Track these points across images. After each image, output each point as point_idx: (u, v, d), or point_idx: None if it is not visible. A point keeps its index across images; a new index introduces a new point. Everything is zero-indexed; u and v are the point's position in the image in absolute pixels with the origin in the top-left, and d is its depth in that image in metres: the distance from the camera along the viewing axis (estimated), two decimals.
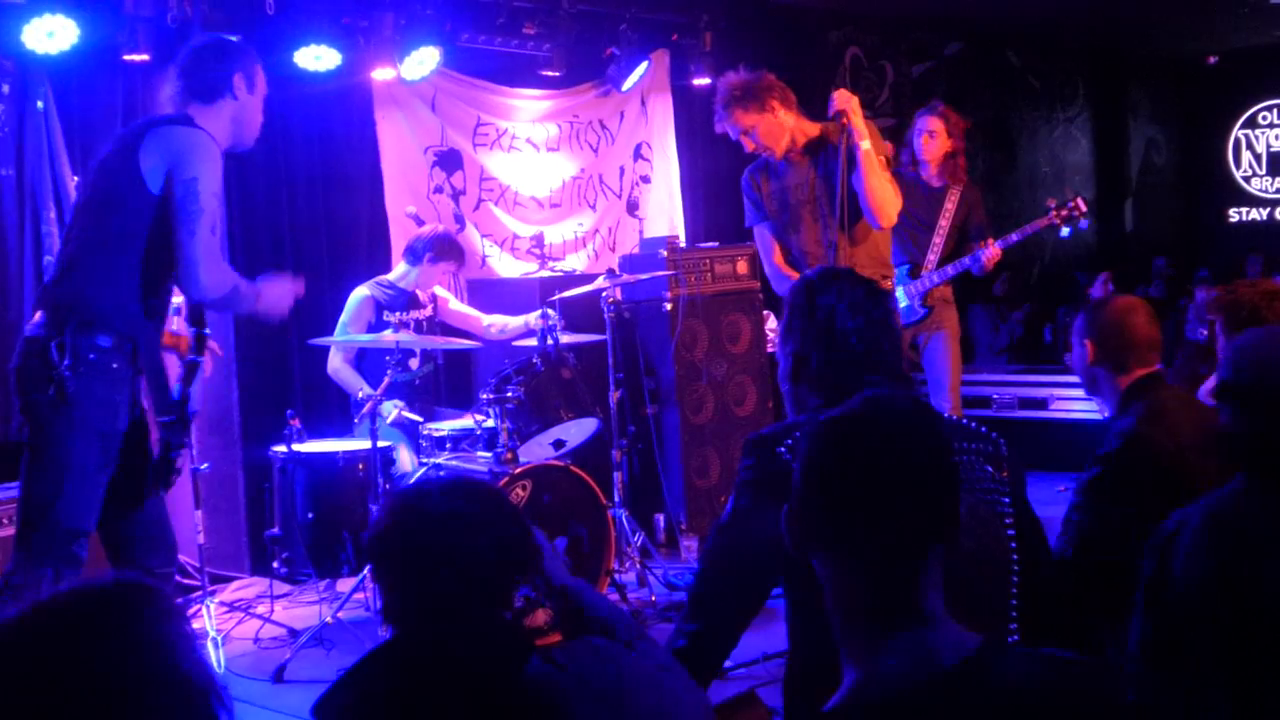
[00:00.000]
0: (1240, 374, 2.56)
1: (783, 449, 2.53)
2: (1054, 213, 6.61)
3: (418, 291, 6.29)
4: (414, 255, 6.26)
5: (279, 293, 4.36)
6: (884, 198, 5.01)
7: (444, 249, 6.25)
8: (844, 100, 5.01)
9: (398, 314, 6.13)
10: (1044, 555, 2.80)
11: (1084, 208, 6.61)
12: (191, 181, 3.95)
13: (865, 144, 4.96)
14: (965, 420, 2.72)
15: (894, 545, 1.71)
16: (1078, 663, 1.74)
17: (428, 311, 6.31)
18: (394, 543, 2.14)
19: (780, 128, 5.21)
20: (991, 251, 6.32)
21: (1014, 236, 6.56)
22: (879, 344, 2.69)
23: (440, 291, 6.50)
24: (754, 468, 2.62)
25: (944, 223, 6.45)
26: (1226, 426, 2.58)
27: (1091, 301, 3.87)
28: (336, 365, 6.19)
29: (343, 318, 6.16)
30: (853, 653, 1.74)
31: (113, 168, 4.00)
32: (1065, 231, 6.71)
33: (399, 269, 6.33)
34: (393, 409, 5.93)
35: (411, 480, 5.45)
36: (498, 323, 6.52)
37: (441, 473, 5.56)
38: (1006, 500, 2.60)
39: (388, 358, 5.53)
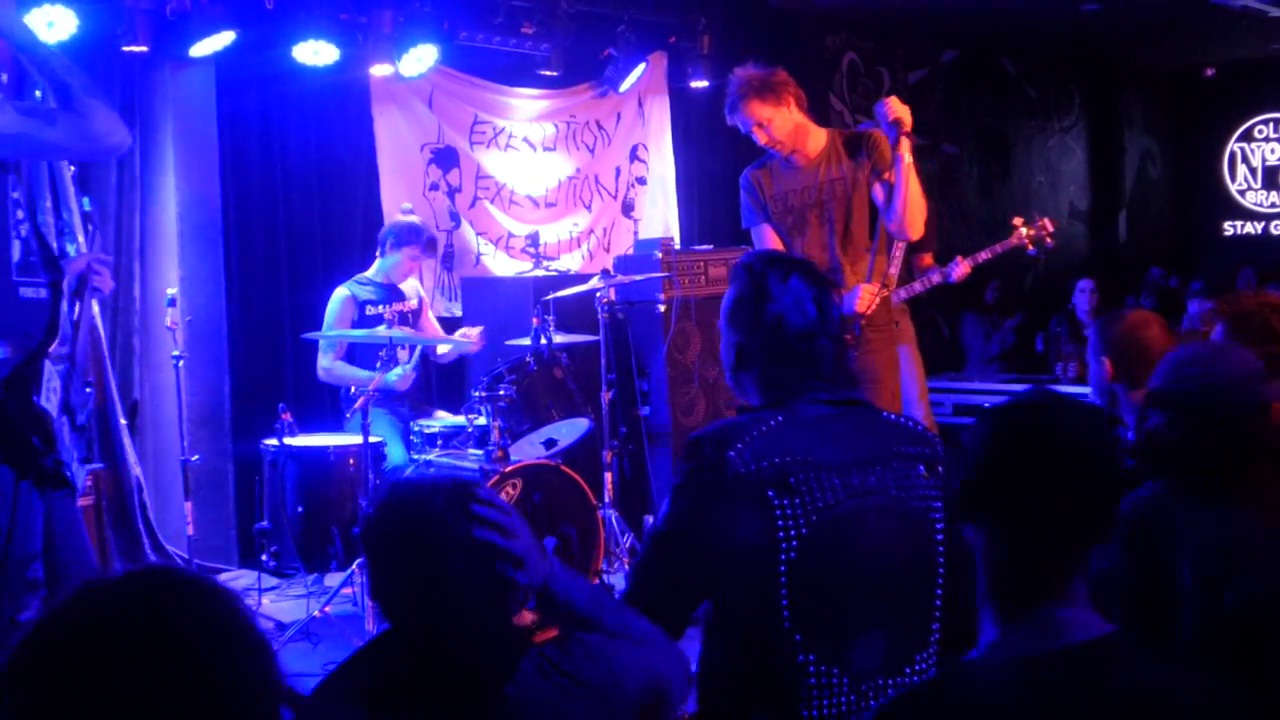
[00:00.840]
0: (1179, 384, 2.72)
1: (733, 454, 2.47)
2: (1021, 232, 6.69)
3: (399, 284, 6.31)
4: (380, 247, 6.29)
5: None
6: (919, 211, 5.05)
7: (403, 234, 6.23)
8: (900, 109, 4.96)
9: (381, 306, 6.12)
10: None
11: (1050, 228, 6.71)
12: None
13: (908, 157, 4.98)
14: (905, 420, 2.73)
15: (1059, 532, 1.85)
16: (1199, 674, 1.88)
17: (413, 304, 6.32)
18: (392, 540, 2.12)
19: (794, 125, 5.19)
20: (963, 269, 6.44)
21: (983, 255, 6.65)
22: (821, 344, 2.65)
23: (424, 294, 6.50)
24: (699, 471, 2.54)
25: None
26: (1155, 431, 2.71)
27: (1104, 317, 3.87)
28: (328, 364, 6.17)
29: (327, 320, 6.14)
30: (996, 616, 1.89)
31: None
32: (1032, 250, 6.78)
33: (375, 265, 6.33)
34: (404, 369, 5.95)
35: (408, 474, 5.45)
36: (455, 342, 6.44)
37: (432, 469, 5.57)
38: (939, 504, 2.61)
39: (382, 352, 5.55)
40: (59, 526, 3.74)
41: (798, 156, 5.20)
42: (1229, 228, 14.06)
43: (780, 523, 2.44)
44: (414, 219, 6.53)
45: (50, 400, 3.57)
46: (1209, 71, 13.70)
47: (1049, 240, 6.74)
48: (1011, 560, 1.88)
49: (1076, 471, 1.85)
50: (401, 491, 2.17)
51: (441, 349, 6.27)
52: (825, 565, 2.45)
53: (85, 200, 4.62)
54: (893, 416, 2.72)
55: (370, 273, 6.31)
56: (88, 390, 3.78)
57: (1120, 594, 2.56)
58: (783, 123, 5.13)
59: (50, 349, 3.60)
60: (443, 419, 6.09)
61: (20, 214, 3.65)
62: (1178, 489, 2.67)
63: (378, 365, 5.52)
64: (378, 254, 6.31)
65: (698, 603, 2.62)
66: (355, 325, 6.05)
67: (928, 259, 6.67)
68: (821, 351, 2.65)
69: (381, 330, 5.70)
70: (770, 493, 2.45)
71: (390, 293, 6.24)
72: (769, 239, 5.34)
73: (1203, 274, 11.63)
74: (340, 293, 6.19)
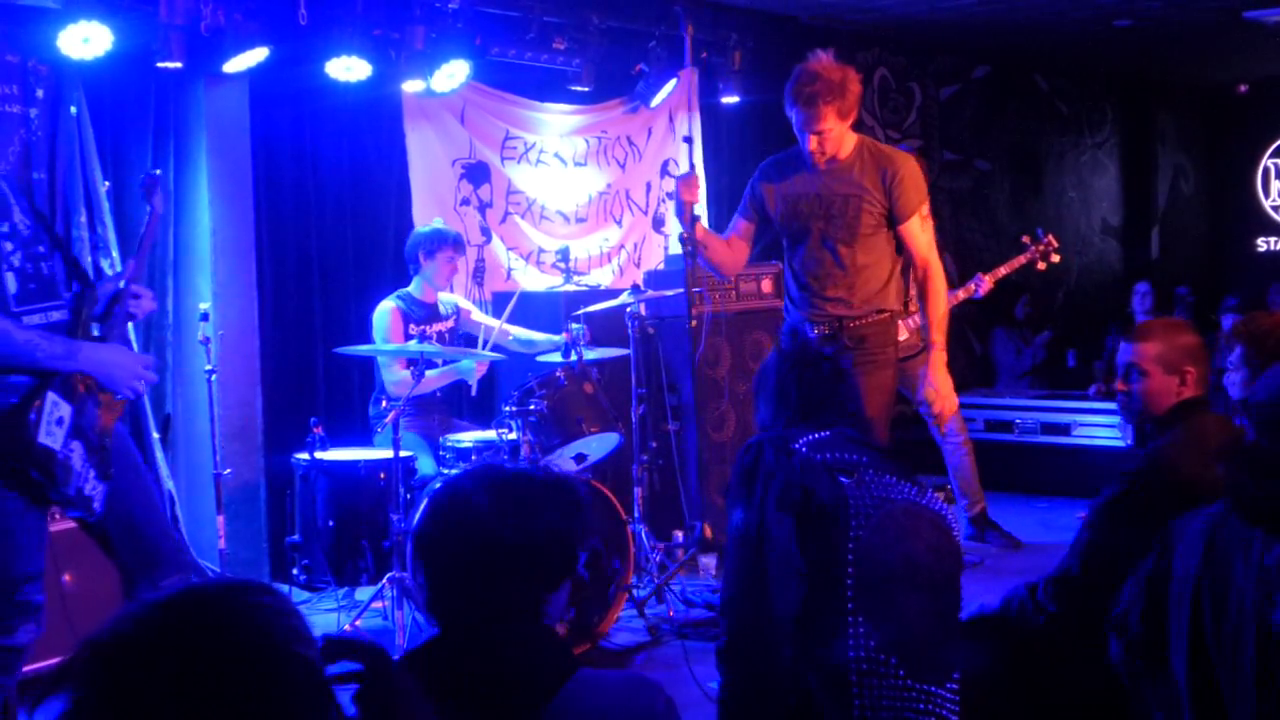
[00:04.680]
0: (1259, 400, 2.74)
1: (798, 445, 2.75)
2: (1032, 248, 6.92)
3: (439, 303, 6.31)
4: (413, 264, 6.29)
5: (121, 361, 3.70)
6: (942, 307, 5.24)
7: (430, 241, 6.25)
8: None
9: (420, 326, 6.14)
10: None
11: (1055, 244, 7.00)
12: None
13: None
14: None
15: None
16: None
17: (450, 324, 6.33)
18: (438, 542, 2.12)
19: (846, 139, 5.09)
20: (988, 285, 6.60)
21: (1002, 270, 6.86)
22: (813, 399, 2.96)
23: (463, 303, 6.52)
24: (765, 462, 2.79)
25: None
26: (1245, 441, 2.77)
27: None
28: (397, 379, 6.12)
29: (378, 332, 6.14)
30: None
31: None
32: (1042, 265, 7.00)
33: (412, 283, 6.34)
34: (475, 362, 6.04)
35: (460, 471, 5.45)
36: (522, 335, 6.52)
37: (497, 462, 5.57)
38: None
39: (411, 369, 5.56)
40: (110, 535, 3.71)
41: (824, 162, 5.07)
42: (1262, 244, 13.96)
43: (852, 504, 2.54)
44: (435, 224, 6.53)
45: (53, 435, 3.47)
46: (1242, 88, 13.63)
47: (1054, 256, 6.95)
48: None
49: None
50: (454, 499, 2.14)
51: (471, 367, 6.24)
52: (888, 556, 2.55)
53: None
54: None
55: (411, 289, 6.32)
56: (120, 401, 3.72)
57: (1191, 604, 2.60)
58: (839, 135, 5.01)
59: (57, 378, 3.51)
60: (473, 434, 6.09)
61: (10, 245, 3.60)
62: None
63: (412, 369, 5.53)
64: (411, 271, 6.32)
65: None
66: (406, 339, 6.06)
67: None
68: (810, 389, 3.02)
69: (413, 345, 5.72)
70: (842, 478, 2.57)
71: (430, 313, 6.26)
72: (739, 233, 5.36)
73: (1237, 290, 11.55)
74: (388, 305, 6.19)
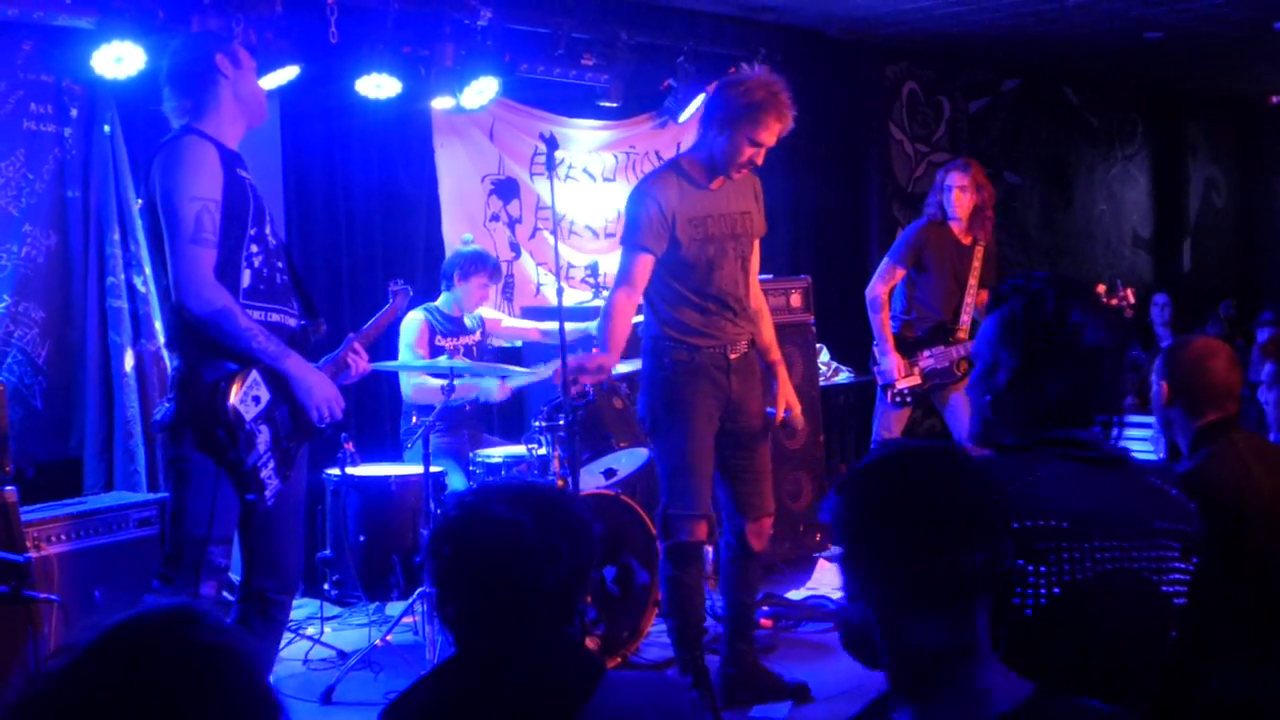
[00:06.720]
0: None
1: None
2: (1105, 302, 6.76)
3: (465, 317, 6.34)
4: (446, 280, 6.32)
5: (321, 385, 3.94)
6: None
7: (469, 264, 6.27)
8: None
9: (448, 340, 6.17)
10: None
11: (1132, 300, 6.73)
12: (161, 195, 3.83)
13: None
14: (1168, 487, 2.44)
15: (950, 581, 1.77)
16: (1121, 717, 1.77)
17: (476, 337, 6.35)
18: (451, 547, 2.11)
19: None
20: None
21: None
22: (1108, 368, 2.42)
23: (490, 313, 6.53)
24: None
25: (973, 282, 6.63)
26: None
27: (1175, 340, 3.79)
28: (416, 384, 6.20)
29: (404, 341, 6.18)
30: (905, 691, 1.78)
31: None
32: None
33: (441, 298, 6.37)
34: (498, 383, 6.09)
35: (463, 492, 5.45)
36: (551, 328, 6.53)
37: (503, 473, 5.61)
38: (1184, 589, 2.35)
39: (444, 383, 5.57)
40: (255, 527, 3.95)
41: (719, 178, 4.79)
42: None
43: (1018, 589, 2.20)
44: (475, 247, 6.57)
45: (246, 405, 3.75)
46: (1274, 99, 13.57)
47: (1129, 311, 6.72)
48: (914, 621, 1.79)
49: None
50: (474, 501, 2.14)
51: (494, 386, 6.26)
52: (1060, 639, 2.22)
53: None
54: (1156, 481, 2.42)
55: (439, 303, 6.35)
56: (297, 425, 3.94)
57: None
58: None
59: (264, 366, 3.80)
60: (503, 449, 6.10)
61: (256, 248, 3.89)
62: None
63: (437, 401, 5.55)
64: (444, 287, 6.34)
65: None
66: (432, 350, 6.11)
67: (984, 295, 6.77)
68: (1108, 377, 2.42)
69: (443, 361, 5.74)
70: (1018, 558, 2.18)
71: (457, 326, 6.29)
72: (644, 271, 4.86)
73: (1271, 304, 11.47)
74: (416, 316, 6.22)
